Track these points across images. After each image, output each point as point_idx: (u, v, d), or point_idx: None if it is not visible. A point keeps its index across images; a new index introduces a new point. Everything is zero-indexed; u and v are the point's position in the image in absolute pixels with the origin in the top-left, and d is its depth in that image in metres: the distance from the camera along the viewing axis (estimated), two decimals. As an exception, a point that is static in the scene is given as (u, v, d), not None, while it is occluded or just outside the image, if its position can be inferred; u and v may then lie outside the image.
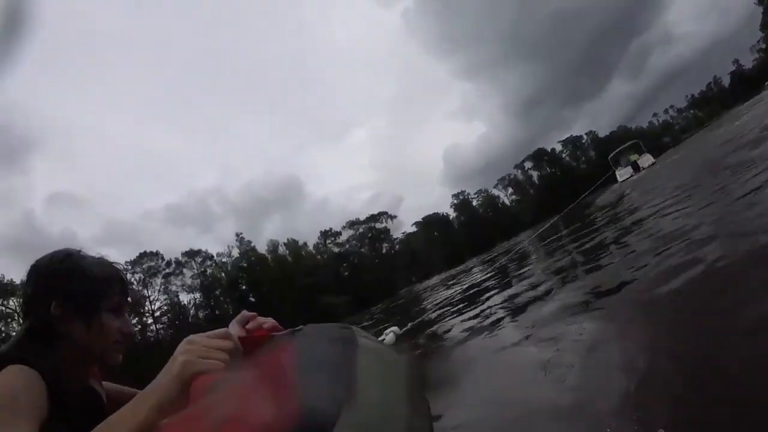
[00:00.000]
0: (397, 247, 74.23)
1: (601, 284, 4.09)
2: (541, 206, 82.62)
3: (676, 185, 9.07)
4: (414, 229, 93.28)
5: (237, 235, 64.74)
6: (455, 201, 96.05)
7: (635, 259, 4.40)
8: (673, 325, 2.56)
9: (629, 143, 41.37)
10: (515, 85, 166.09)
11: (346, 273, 63.81)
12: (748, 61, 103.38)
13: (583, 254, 6.66)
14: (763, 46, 76.62)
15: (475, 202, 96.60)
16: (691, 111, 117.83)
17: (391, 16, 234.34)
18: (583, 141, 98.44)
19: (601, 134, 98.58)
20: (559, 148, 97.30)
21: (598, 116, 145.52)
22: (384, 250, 68.94)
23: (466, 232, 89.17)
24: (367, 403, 0.59)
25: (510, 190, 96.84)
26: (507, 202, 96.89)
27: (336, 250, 66.66)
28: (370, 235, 67.21)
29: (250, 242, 61.86)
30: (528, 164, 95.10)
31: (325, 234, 66.45)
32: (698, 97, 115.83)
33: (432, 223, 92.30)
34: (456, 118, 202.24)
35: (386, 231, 68.83)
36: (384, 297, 55.62)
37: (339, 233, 66.81)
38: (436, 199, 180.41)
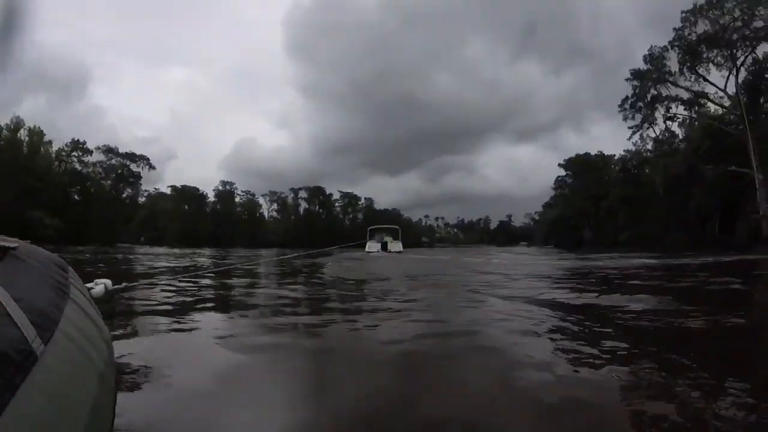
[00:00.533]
0: (142, 198, 66.50)
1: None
2: (295, 235, 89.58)
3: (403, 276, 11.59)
4: (168, 191, 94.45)
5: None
6: (221, 187, 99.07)
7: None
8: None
9: (391, 226, 49.36)
10: (336, 125, 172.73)
11: (76, 197, 53.98)
12: (519, 221, 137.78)
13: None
14: (536, 217, 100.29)
15: (238, 199, 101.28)
16: (455, 230, 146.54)
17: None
18: (360, 202, 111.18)
19: (377, 207, 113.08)
20: (336, 195, 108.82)
21: (384, 191, 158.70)
22: (125, 195, 60.96)
23: (215, 222, 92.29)
24: (57, 370, 0.54)
25: (275, 206, 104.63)
26: (266, 214, 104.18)
27: (78, 167, 56.47)
28: (120, 171, 58.85)
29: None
30: (303, 194, 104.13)
31: (75, 144, 56.25)
32: (466, 223, 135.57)
33: (188, 195, 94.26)
34: (269, 117, 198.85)
35: (137, 176, 61.79)
36: (100, 242, 54.41)
37: (90, 152, 57.19)
38: (206, 176, 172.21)
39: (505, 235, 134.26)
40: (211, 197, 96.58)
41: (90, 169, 63.48)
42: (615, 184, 66.16)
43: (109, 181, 65.65)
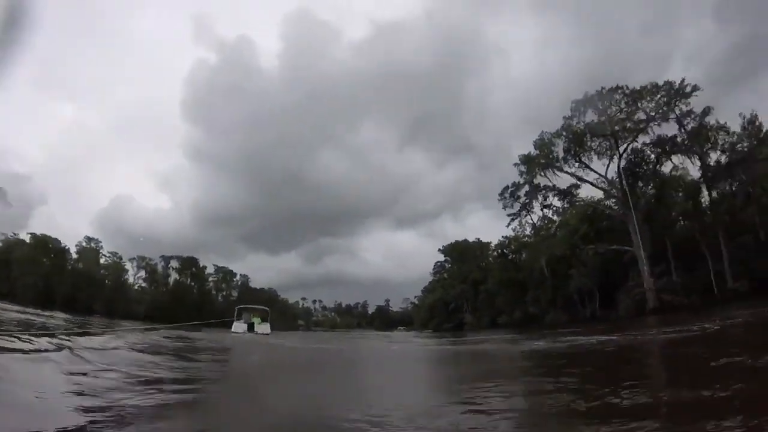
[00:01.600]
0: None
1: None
2: (162, 308, 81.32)
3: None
4: (26, 239, 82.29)
5: None
6: (85, 244, 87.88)
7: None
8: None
9: (260, 307, 47.46)
10: (221, 195, 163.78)
11: None
12: (396, 306, 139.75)
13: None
14: (415, 302, 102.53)
15: (103, 260, 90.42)
16: (333, 313, 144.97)
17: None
18: (235, 279, 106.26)
19: (253, 285, 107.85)
20: (211, 269, 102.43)
21: (261, 269, 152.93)
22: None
23: (75, 282, 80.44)
24: None
25: (143, 273, 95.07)
26: (132, 280, 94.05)
27: None
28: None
29: None
30: (174, 263, 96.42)
31: None
32: (344, 306, 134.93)
33: (49, 246, 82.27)
34: (153, 177, 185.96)
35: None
36: None
37: None
38: (75, 229, 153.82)
39: (383, 319, 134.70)
40: (74, 254, 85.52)
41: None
42: (493, 268, 69.36)
43: None
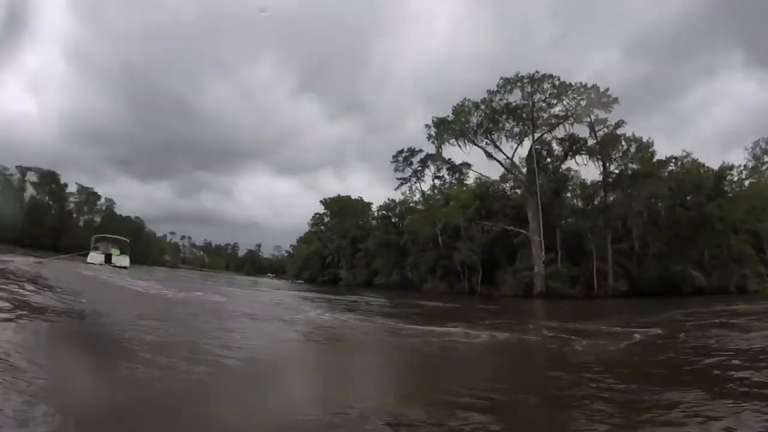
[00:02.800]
0: None
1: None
2: (13, 228, 68.90)
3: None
4: None
5: None
6: None
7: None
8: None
9: (121, 238, 43.93)
10: (98, 110, 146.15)
11: None
12: (267, 252, 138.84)
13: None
14: (290, 250, 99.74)
15: None
16: (201, 252, 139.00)
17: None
18: (100, 203, 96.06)
19: (118, 211, 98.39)
20: (73, 189, 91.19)
21: (129, 195, 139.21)
22: None
23: None
24: None
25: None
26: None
27: None
28: None
29: None
30: (32, 177, 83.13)
31: None
32: (213, 246, 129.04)
33: None
34: (20, 73, 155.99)
35: None
36: None
37: None
38: None
39: (253, 264, 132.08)
40: None
41: None
42: (375, 228, 69.24)
43: None
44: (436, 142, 51.93)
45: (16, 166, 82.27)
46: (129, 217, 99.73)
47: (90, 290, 12.43)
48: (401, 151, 64.15)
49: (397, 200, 66.59)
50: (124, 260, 35.98)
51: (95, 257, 34.69)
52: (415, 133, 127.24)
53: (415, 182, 64.20)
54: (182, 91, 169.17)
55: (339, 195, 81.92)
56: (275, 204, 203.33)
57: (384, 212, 68.18)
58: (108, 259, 35.19)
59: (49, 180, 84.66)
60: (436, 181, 60.77)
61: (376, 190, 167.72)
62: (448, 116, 50.00)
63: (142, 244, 79.55)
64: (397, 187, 65.39)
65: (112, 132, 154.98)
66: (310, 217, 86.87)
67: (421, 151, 62.06)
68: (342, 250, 72.14)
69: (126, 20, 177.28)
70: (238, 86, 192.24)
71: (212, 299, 14.31)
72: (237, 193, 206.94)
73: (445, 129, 50.29)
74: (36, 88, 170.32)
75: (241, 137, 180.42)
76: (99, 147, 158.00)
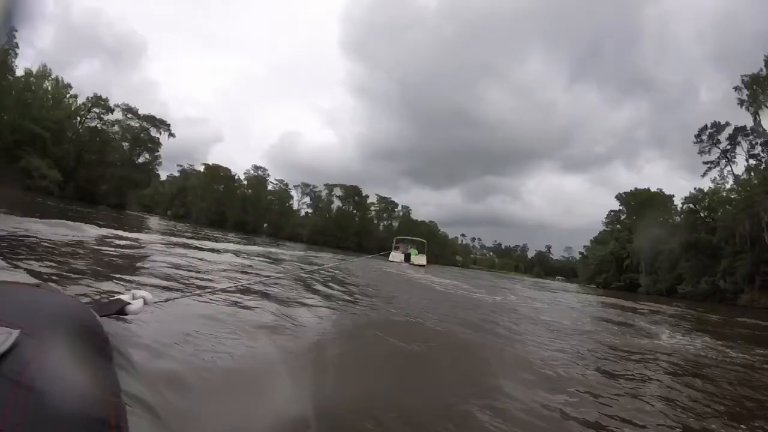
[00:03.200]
0: (157, 165, 61.42)
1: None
2: (324, 233, 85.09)
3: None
4: (201, 169, 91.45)
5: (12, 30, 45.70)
6: (252, 171, 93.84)
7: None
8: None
9: (419, 239, 47.21)
10: (385, 130, 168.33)
11: (93, 156, 49.59)
12: (557, 254, 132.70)
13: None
14: (583, 252, 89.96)
15: (270, 187, 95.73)
16: (491, 253, 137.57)
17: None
18: (397, 210, 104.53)
19: (414, 216, 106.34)
20: (374, 200, 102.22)
21: (423, 202, 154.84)
22: (141, 159, 56.14)
23: (244, 206, 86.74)
24: None
25: (307, 200, 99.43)
26: (295, 206, 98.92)
27: (93, 124, 51.87)
28: (141, 135, 53.69)
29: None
30: (338, 191, 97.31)
31: (97, 100, 51.67)
32: (503, 248, 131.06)
33: (220, 175, 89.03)
34: (318, 113, 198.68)
35: (154, 142, 56.32)
36: (109, 205, 48.96)
37: (111, 110, 52.86)
38: (248, 162, 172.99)
39: (543, 266, 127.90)
40: (243, 180, 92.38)
41: (108, 128, 58.09)
42: (680, 226, 57.89)
43: (125, 144, 60.12)
44: (751, 108, 40.61)
45: (324, 185, 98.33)
46: (424, 221, 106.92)
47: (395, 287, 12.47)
48: (704, 128, 52.78)
49: (705, 189, 54.71)
50: (422, 259, 37.97)
51: (396, 256, 37.19)
52: (712, 105, 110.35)
53: (725, 165, 51.60)
54: (459, 101, 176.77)
55: (636, 188, 72.56)
56: (564, 203, 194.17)
57: (689, 206, 56.20)
58: (407, 258, 37.82)
59: (353, 193, 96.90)
60: (751, 161, 47.37)
61: (676, 180, 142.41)
62: (761, 70, 38.32)
63: (436, 245, 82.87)
64: (704, 174, 53.99)
65: (401, 148, 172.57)
66: (604, 216, 79.34)
67: (728, 125, 50.37)
68: (641, 252, 62.63)
69: (393, 50, 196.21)
70: (512, 87, 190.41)
71: (521, 303, 12.69)
72: (525, 194, 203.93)
73: (762, 88, 38.65)
74: (333, 122, 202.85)
75: (525, 137, 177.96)
76: (392, 162, 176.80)
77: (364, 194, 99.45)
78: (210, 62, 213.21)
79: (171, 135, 63.82)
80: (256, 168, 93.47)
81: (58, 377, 0.45)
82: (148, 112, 60.85)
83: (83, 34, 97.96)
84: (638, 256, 63.16)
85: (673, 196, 66.63)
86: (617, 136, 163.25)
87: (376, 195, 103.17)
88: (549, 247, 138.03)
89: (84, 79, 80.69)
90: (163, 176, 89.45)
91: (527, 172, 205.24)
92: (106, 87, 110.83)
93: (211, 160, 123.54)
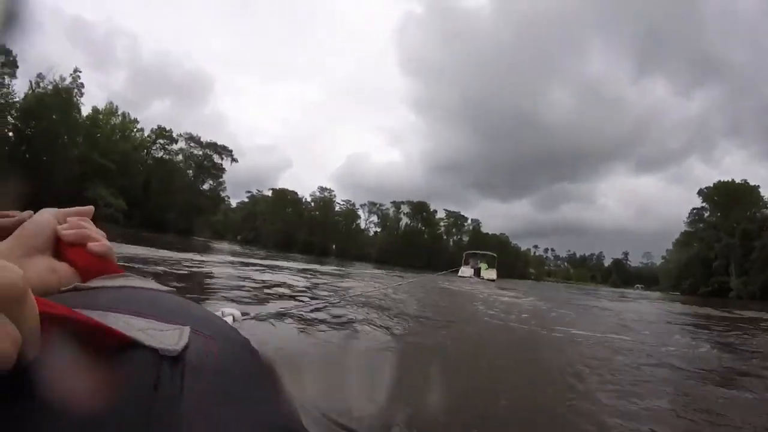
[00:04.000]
0: (222, 190, 63.44)
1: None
2: (394, 251, 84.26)
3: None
4: (269, 194, 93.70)
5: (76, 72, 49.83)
6: (318, 193, 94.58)
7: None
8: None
9: (488, 253, 47.40)
10: (449, 144, 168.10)
11: (153, 184, 52.00)
12: (636, 261, 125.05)
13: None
14: (665, 256, 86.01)
15: (337, 208, 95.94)
16: (566, 264, 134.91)
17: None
18: (466, 224, 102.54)
19: (483, 230, 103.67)
20: (442, 215, 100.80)
21: (492, 215, 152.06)
22: (207, 185, 58.27)
23: (311, 228, 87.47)
24: None
25: (374, 218, 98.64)
26: (363, 225, 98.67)
27: (159, 155, 54.38)
28: (204, 162, 55.66)
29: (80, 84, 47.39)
30: (405, 208, 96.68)
31: (161, 131, 54.32)
32: (578, 257, 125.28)
33: (287, 199, 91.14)
34: (382, 134, 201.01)
35: (220, 168, 58.30)
36: (176, 232, 51.04)
37: (175, 140, 55.21)
38: (314, 184, 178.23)
39: (620, 274, 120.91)
40: (310, 202, 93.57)
41: (173, 157, 60.96)
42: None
43: (190, 171, 62.55)
44: None
45: (391, 202, 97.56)
46: (494, 234, 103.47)
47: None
48: None
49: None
50: (492, 273, 38.06)
51: (465, 271, 36.94)
52: None
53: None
54: (522, 106, 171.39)
55: (720, 181, 66.66)
56: (640, 205, 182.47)
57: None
58: (477, 272, 37.62)
59: (420, 209, 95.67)
60: None
61: (756, 170, 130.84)
62: None
63: (508, 258, 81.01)
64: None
65: (467, 161, 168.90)
66: (684, 216, 73.51)
67: None
68: (730, 251, 57.44)
69: (450, 60, 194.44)
70: (575, 87, 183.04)
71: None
72: (598, 198, 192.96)
73: None
74: (397, 140, 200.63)
75: (593, 139, 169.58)
76: (459, 176, 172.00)
77: (431, 209, 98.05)
78: (275, 92, 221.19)
79: (234, 160, 66.02)
80: (322, 189, 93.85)
81: (242, 377, 0.47)
82: (210, 139, 64.38)
83: (152, 74, 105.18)
84: (727, 256, 58.13)
85: (759, 186, 62.03)
86: (690, 128, 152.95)
87: (445, 210, 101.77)
88: (626, 254, 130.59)
89: (156, 118, 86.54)
90: (234, 203, 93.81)
91: (599, 176, 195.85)
92: (178, 123, 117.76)
93: (282, 186, 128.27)
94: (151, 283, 0.61)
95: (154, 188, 57.15)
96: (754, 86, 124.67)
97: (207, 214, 66.88)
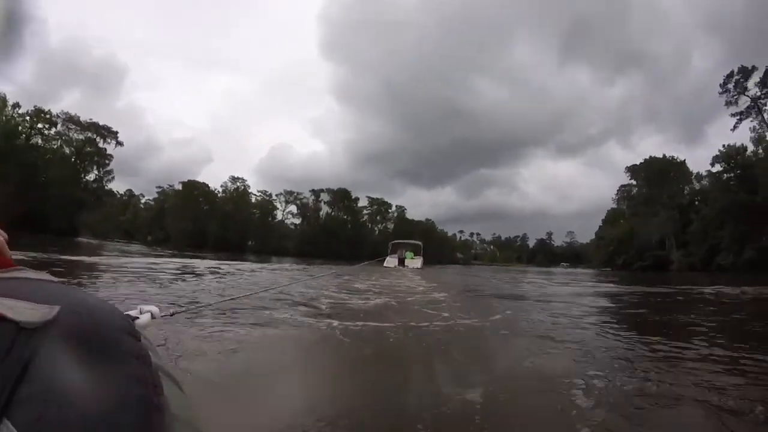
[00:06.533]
0: (108, 181, 54.82)
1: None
2: (314, 243, 77.92)
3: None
4: (178, 186, 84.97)
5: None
6: (230, 183, 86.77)
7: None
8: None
9: (413, 242, 47.99)
10: (372, 133, 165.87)
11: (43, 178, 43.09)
12: (559, 240, 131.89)
13: None
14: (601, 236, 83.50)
15: (253, 199, 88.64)
16: (492, 247, 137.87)
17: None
18: (391, 211, 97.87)
19: (409, 215, 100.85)
20: (364, 203, 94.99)
21: (418, 203, 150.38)
22: (92, 176, 49.46)
23: (223, 223, 79.10)
24: None
25: (293, 209, 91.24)
26: (280, 216, 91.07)
27: (39, 142, 45.16)
28: (86, 148, 46.78)
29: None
30: (325, 197, 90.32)
31: (38, 113, 45.07)
32: (503, 240, 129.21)
33: (199, 191, 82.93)
34: (306, 125, 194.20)
35: (102, 154, 49.47)
36: (54, 233, 42.61)
37: (55, 124, 45.67)
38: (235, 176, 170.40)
39: (545, 254, 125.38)
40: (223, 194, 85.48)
41: (49, 144, 50.88)
42: (711, 190, 52.77)
43: (73, 159, 52.42)
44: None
45: (310, 190, 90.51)
46: (420, 221, 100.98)
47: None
48: (730, 75, 48.46)
49: (739, 145, 49.96)
50: (417, 262, 38.91)
51: (391, 261, 37.76)
52: (706, 73, 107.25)
53: (758, 115, 47.44)
54: (447, 95, 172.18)
55: (652, 156, 65.04)
56: (561, 189, 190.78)
57: (722, 164, 50.78)
58: (401, 262, 38.35)
59: (342, 197, 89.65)
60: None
61: (671, 154, 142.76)
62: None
63: (435, 245, 78.87)
64: (734, 127, 49.26)
65: (392, 150, 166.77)
66: (606, 196, 74.04)
67: (755, 69, 46.89)
68: (668, 224, 57.32)
69: (374, 49, 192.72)
70: (499, 75, 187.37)
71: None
72: (520, 183, 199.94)
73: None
74: (320, 130, 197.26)
75: (516, 126, 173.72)
76: (384, 165, 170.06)
77: (353, 197, 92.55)
78: (194, 83, 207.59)
79: (119, 143, 55.41)
80: (234, 179, 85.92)
81: (101, 354, 0.50)
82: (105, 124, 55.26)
83: (61, 62, 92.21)
84: (662, 230, 58.21)
85: (685, 160, 62.37)
86: (610, 115, 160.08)
87: (368, 197, 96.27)
88: (550, 234, 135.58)
89: (65, 110, 74.55)
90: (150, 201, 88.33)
91: (521, 162, 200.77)
92: (88, 115, 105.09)
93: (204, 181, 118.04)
94: (44, 275, 0.64)
95: (26, 181, 46.21)
96: (671, 75, 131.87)
97: (91, 209, 56.25)
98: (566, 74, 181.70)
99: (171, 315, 1.53)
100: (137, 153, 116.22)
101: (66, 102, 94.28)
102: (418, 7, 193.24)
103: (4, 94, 47.42)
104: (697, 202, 55.79)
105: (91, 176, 55.36)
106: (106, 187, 60.63)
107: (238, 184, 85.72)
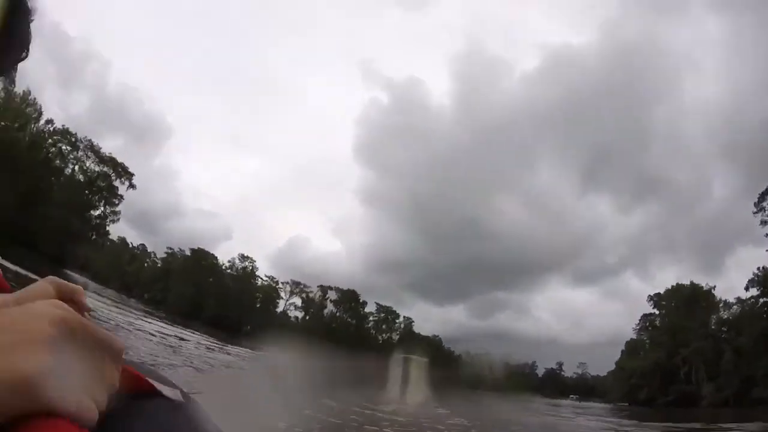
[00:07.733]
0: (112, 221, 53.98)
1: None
2: (318, 334, 74.30)
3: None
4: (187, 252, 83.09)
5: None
6: (238, 261, 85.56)
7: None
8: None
9: (420, 358, 48.78)
10: (391, 241, 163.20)
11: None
12: (570, 371, 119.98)
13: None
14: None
15: (259, 282, 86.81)
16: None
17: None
18: (398, 321, 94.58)
19: (416, 329, 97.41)
20: (373, 309, 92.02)
21: (426, 318, 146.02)
22: (98, 212, 49.26)
23: (221, 299, 77.53)
24: None
25: (298, 300, 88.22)
26: (282, 306, 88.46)
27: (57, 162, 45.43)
28: (98, 180, 46.77)
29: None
30: (332, 295, 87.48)
31: (66, 134, 45.34)
32: (512, 365, 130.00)
33: (206, 263, 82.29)
34: (327, 222, 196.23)
35: (113, 192, 49.55)
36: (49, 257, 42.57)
37: (78, 148, 46.47)
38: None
39: (555, 384, 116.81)
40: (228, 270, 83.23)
41: (65, 165, 50.33)
42: (745, 317, 49.31)
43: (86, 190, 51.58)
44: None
45: (318, 286, 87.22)
46: (427, 335, 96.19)
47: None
48: (766, 192, 47.73)
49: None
50: (419, 395, 37.78)
51: (392, 382, 39.30)
52: (724, 201, 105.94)
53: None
54: (469, 210, 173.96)
55: (678, 283, 61.69)
56: (574, 316, 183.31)
57: (759, 287, 47.82)
58: (404, 384, 39.50)
59: (349, 298, 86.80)
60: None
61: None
62: None
63: (440, 362, 74.43)
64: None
65: (408, 260, 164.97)
66: (635, 323, 68.41)
67: None
68: (697, 357, 52.85)
69: (405, 155, 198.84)
70: (524, 196, 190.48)
71: None
72: (533, 309, 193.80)
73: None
74: (341, 230, 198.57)
75: (534, 250, 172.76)
76: (397, 275, 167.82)
77: (361, 300, 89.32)
78: (229, 159, 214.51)
79: (132, 186, 54.98)
80: (243, 258, 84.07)
81: None
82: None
83: (114, 106, 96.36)
84: (692, 362, 53.72)
85: (715, 287, 58.51)
86: (628, 244, 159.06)
87: (376, 303, 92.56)
88: (561, 364, 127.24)
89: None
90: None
91: (536, 288, 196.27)
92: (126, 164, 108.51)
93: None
94: None
95: (31, 195, 44.32)
96: (690, 204, 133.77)
97: (87, 244, 54.32)
98: (586, 200, 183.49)
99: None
100: (164, 213, 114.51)
101: (108, 145, 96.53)
102: (451, 122, 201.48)
103: (40, 104, 48.18)
104: (724, 331, 52.20)
105: (96, 212, 53.96)
106: (107, 227, 59.58)
107: (247, 263, 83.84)
